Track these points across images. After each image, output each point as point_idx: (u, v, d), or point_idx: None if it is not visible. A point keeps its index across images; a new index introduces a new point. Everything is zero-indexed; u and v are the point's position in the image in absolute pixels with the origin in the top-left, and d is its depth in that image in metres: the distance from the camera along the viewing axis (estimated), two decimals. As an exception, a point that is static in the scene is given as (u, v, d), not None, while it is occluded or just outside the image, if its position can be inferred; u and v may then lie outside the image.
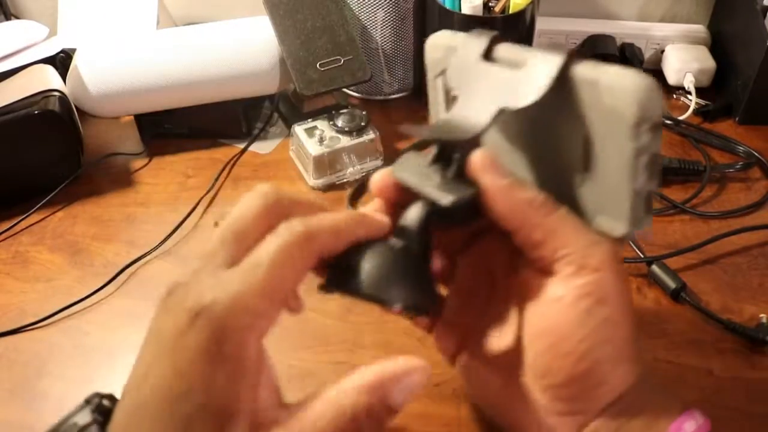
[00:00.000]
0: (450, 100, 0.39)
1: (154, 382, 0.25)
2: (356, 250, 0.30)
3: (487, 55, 0.35)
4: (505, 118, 0.32)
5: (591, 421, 0.31)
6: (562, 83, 0.31)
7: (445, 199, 0.31)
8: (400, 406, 0.27)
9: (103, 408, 0.29)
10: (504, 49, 0.35)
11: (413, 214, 0.32)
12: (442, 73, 0.39)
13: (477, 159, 0.32)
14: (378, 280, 0.29)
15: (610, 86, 0.29)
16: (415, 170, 0.33)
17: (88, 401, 0.29)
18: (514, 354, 0.34)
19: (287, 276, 0.27)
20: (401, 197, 0.34)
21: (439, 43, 0.39)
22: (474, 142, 0.32)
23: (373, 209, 0.35)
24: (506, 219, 0.32)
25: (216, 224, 0.25)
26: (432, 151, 0.34)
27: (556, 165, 0.34)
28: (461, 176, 0.32)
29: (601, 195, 0.32)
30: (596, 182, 0.32)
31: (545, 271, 0.32)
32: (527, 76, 0.32)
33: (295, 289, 0.29)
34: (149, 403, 0.25)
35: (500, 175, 0.32)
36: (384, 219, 0.32)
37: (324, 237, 0.28)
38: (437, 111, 0.41)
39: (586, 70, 0.30)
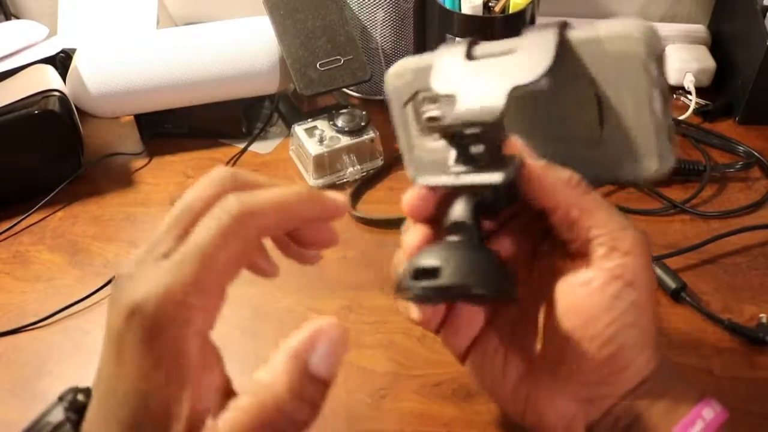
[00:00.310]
0: (424, 126, 0.39)
1: (106, 383, 0.24)
2: (416, 255, 0.30)
3: (470, 56, 0.35)
4: (517, 94, 0.32)
5: (612, 407, 0.32)
6: (563, 51, 0.32)
7: (496, 177, 0.31)
8: (328, 374, 0.24)
9: (77, 404, 0.28)
10: (484, 47, 0.35)
11: (460, 209, 0.32)
12: (413, 97, 0.39)
13: (515, 139, 0.33)
14: (461, 275, 0.29)
15: (613, 36, 0.32)
16: (439, 172, 0.33)
17: (61, 398, 0.28)
18: (536, 342, 0.34)
19: (223, 262, 0.24)
20: (435, 207, 0.34)
21: (405, 68, 0.39)
22: (498, 123, 0.32)
23: (417, 235, 0.34)
24: (545, 198, 0.32)
25: (172, 203, 0.23)
26: (441, 146, 0.34)
27: (565, 136, 0.35)
28: (492, 160, 0.32)
29: (623, 143, 0.33)
30: (615, 134, 0.33)
31: (575, 254, 0.32)
32: (527, 55, 0.33)
33: (236, 271, 0.25)
34: (102, 403, 0.24)
35: (535, 155, 0.32)
36: (339, 197, 0.29)
37: (267, 215, 0.25)
38: (409, 138, 0.41)
39: (582, 33, 0.33)
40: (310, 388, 0.24)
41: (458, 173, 0.32)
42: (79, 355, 0.49)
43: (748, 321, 0.49)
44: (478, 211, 0.32)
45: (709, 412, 0.31)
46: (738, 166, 0.64)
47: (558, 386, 0.33)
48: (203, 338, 0.24)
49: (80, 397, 0.27)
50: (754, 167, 0.64)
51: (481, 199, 0.32)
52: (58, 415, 0.27)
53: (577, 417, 0.32)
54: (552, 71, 0.32)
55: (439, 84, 0.36)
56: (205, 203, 0.25)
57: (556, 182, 0.32)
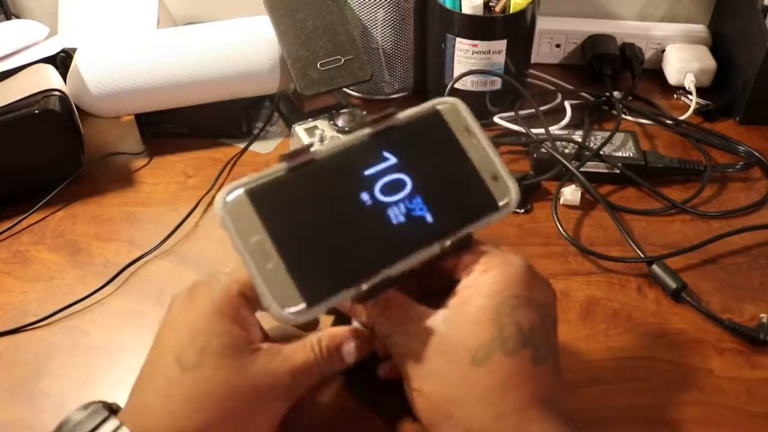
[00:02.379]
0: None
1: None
2: None
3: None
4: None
5: None
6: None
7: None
8: (348, 359, 0.36)
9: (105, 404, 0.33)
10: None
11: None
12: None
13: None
14: None
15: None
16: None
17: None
18: None
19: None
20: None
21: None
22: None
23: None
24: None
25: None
26: None
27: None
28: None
29: None
30: None
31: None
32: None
33: None
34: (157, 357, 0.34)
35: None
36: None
37: None
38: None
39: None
40: (334, 362, 0.36)
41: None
42: (79, 355, 0.49)
43: (748, 321, 0.49)
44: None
45: None
46: (738, 166, 0.64)
47: None
48: None
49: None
50: (755, 167, 0.64)
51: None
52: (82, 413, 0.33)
53: None
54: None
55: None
56: None
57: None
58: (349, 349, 0.36)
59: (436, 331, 0.33)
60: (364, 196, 0.33)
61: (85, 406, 0.33)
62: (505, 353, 0.32)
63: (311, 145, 0.33)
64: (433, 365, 0.33)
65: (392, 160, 0.34)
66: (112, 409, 0.33)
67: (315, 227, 0.32)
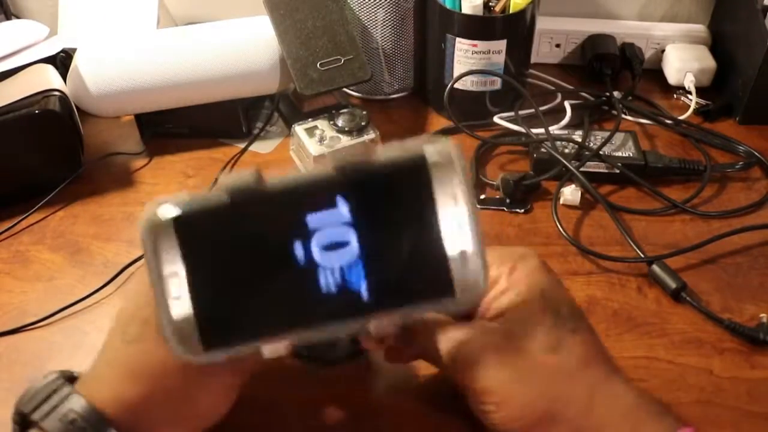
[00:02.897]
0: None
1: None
2: None
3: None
4: None
5: None
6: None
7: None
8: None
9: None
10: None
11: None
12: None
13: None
14: None
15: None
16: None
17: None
18: None
19: None
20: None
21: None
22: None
23: None
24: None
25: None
26: None
27: None
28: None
29: None
30: None
31: None
32: None
33: None
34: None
35: None
36: None
37: None
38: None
39: None
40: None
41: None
42: (79, 355, 0.49)
43: (748, 321, 0.49)
44: None
45: None
46: (738, 166, 0.64)
47: None
48: None
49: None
50: (755, 167, 0.64)
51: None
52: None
53: None
54: None
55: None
56: None
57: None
58: None
59: (500, 342, 0.34)
60: (298, 250, 0.28)
61: (45, 376, 0.34)
62: (571, 332, 0.34)
63: (260, 173, 0.28)
64: (511, 373, 0.33)
65: (344, 210, 0.28)
66: (71, 378, 0.34)
67: (234, 271, 0.28)
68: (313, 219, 0.28)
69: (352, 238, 0.28)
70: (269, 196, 0.28)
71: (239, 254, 0.28)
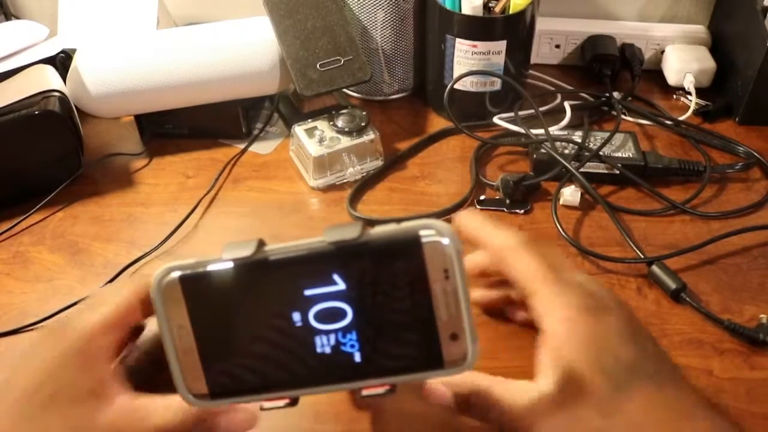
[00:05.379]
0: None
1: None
2: None
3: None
4: None
5: None
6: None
7: None
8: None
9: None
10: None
11: None
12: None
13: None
14: None
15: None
16: None
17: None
18: None
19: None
20: None
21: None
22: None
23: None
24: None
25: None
26: None
27: None
28: None
29: None
30: None
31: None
32: None
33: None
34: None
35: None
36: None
37: None
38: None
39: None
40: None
41: None
42: (79, 355, 0.49)
43: (748, 321, 0.49)
44: None
45: None
46: (738, 167, 0.64)
47: None
48: None
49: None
50: (754, 168, 0.64)
51: None
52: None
53: None
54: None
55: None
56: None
57: None
58: (230, 419, 0.34)
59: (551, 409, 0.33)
60: (296, 317, 0.30)
61: None
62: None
63: (263, 243, 0.31)
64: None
65: (340, 285, 0.30)
66: None
67: (238, 330, 0.31)
68: (309, 293, 0.30)
69: (348, 309, 0.30)
70: (269, 267, 0.30)
71: (240, 315, 0.31)
